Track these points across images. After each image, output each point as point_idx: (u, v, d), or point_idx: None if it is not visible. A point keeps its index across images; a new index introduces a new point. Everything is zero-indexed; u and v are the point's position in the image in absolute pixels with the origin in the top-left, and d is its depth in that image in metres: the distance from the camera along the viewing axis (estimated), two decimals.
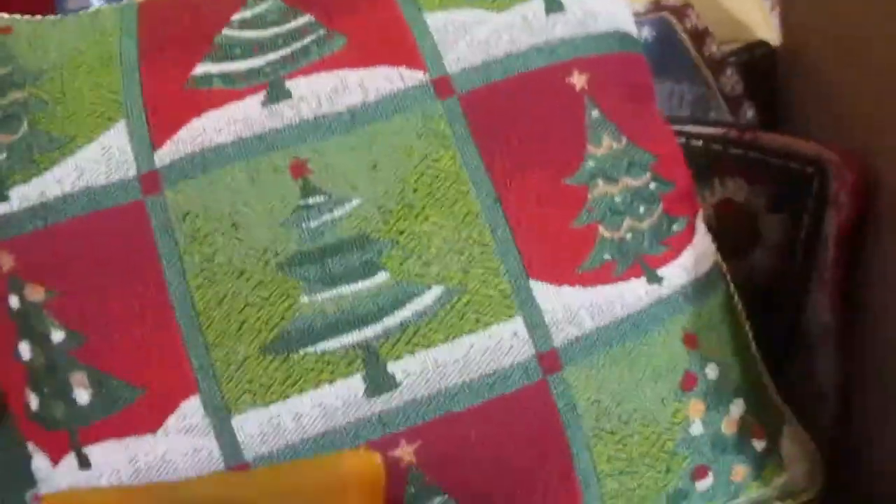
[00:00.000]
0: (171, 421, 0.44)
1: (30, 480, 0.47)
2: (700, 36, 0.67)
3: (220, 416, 0.44)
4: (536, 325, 0.45)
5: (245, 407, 0.44)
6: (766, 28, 0.69)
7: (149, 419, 0.44)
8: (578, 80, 0.50)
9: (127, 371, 0.44)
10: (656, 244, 0.49)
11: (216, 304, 0.45)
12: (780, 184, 0.55)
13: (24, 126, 0.47)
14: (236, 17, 0.51)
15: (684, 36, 0.67)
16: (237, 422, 0.44)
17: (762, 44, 0.67)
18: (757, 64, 0.65)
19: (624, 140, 0.50)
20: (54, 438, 0.45)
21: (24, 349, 0.45)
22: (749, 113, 0.63)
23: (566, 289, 0.46)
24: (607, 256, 0.47)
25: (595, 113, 0.49)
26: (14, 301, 0.46)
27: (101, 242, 0.45)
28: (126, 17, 0.51)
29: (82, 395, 0.44)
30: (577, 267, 0.47)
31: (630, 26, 0.54)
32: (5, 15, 0.52)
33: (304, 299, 0.45)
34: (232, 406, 0.44)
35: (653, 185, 0.50)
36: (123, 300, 0.45)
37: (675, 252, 0.50)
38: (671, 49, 0.65)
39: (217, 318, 0.45)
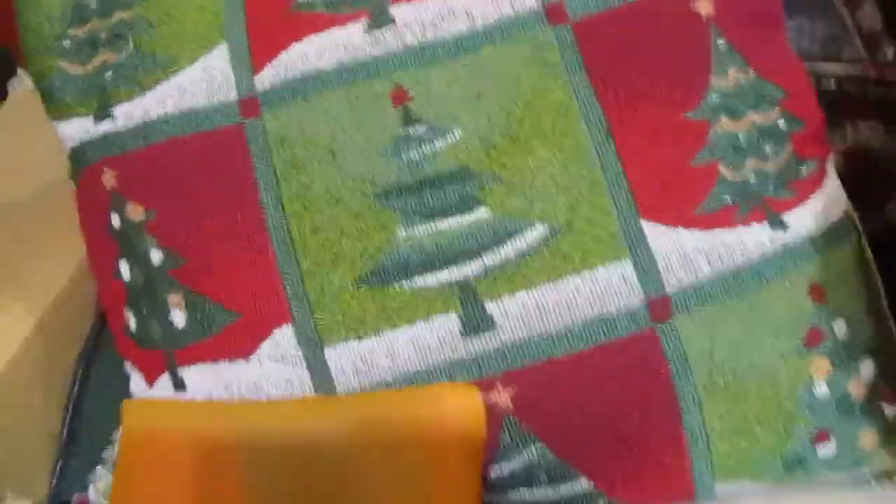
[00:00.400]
0: (264, 348, 0.42)
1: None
2: None
3: (312, 347, 0.42)
4: (647, 268, 0.42)
5: (338, 339, 0.42)
6: None
7: (242, 345, 0.43)
8: (704, 6, 0.45)
9: (222, 295, 0.43)
10: (782, 187, 0.44)
11: (312, 232, 0.43)
12: None
13: (130, 45, 0.46)
14: None
15: None
16: (330, 354, 0.42)
17: None
18: None
19: (751, 72, 0.45)
20: (151, 358, 0.45)
21: (125, 268, 0.45)
22: (889, 52, 0.56)
23: (681, 231, 0.42)
24: (727, 198, 0.43)
25: (721, 42, 0.45)
26: (116, 219, 0.45)
27: (200, 165, 0.44)
28: None
29: (178, 317, 0.44)
30: (694, 208, 0.43)
31: None
32: None
33: (401, 232, 0.43)
34: (325, 337, 0.42)
35: (781, 123, 0.45)
36: (220, 224, 0.44)
37: (803, 197, 0.45)
38: None
39: (312, 247, 0.43)
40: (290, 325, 0.42)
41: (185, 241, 0.44)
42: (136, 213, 0.45)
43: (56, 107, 0.47)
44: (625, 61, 0.44)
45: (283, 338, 0.42)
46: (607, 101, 0.43)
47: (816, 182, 0.45)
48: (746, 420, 0.42)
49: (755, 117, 0.44)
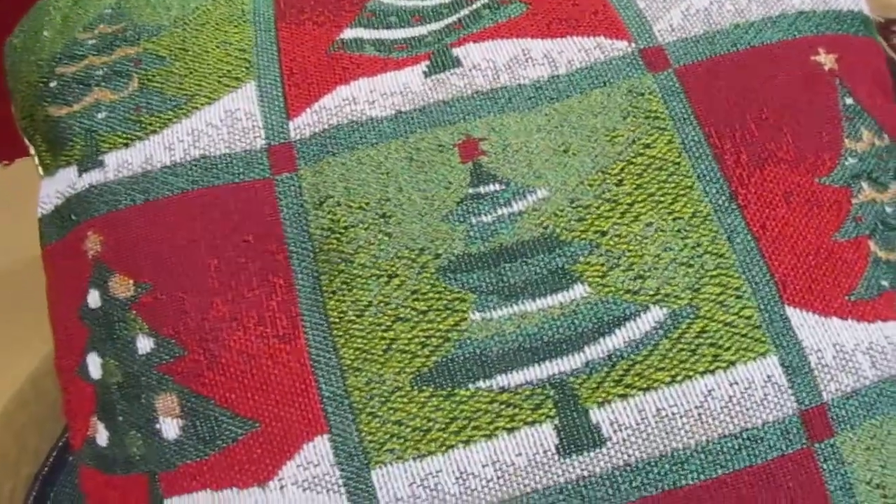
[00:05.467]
0: (289, 469, 0.30)
1: None
2: None
3: (355, 467, 0.30)
4: (798, 369, 0.31)
5: (391, 457, 0.30)
6: None
7: (259, 465, 0.30)
8: (826, 59, 0.37)
9: (233, 397, 0.31)
10: None
11: (356, 315, 0.32)
12: None
13: (134, 84, 0.36)
14: None
15: (892, 54, 0.54)
16: (379, 477, 0.30)
17: None
18: None
19: (886, 138, 0.36)
20: (125, 486, 0.32)
21: (93, 363, 0.33)
22: None
23: (835, 322, 0.32)
24: (885, 283, 0.33)
25: (849, 100, 0.36)
26: (94, 297, 0.33)
27: (213, 227, 0.33)
28: None
29: (170, 427, 0.31)
30: (848, 293, 0.33)
31: (867, 9, 0.41)
32: None
33: (475, 316, 0.32)
34: (373, 454, 0.30)
35: None
36: (237, 303, 0.32)
37: None
38: None
39: (357, 335, 0.31)
40: (325, 436, 0.30)
41: (186, 325, 0.32)
42: (122, 287, 0.33)
43: (42, 162, 0.37)
44: (742, 114, 0.35)
45: (316, 454, 0.30)
46: (726, 159, 0.34)
47: None
48: None
49: None
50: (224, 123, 0.35)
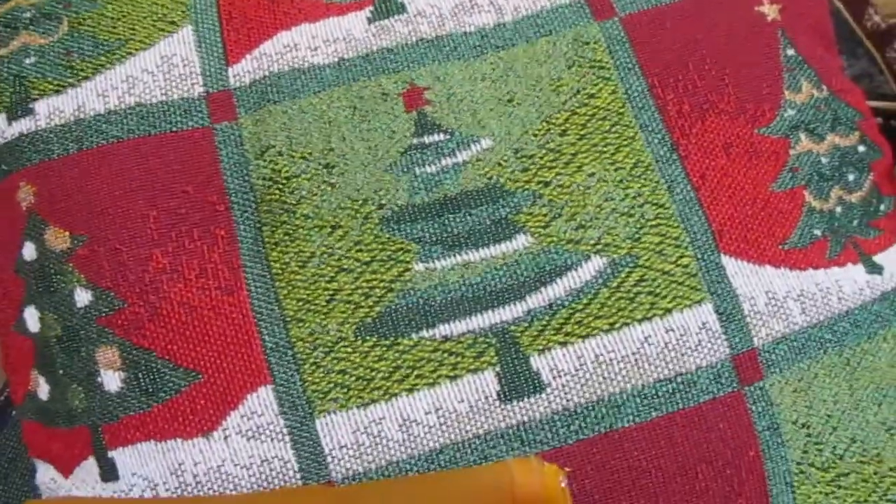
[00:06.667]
0: (233, 419, 0.30)
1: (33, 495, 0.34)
2: (858, 4, 0.54)
3: (299, 416, 0.30)
4: (731, 315, 0.32)
5: (334, 406, 0.30)
6: None
7: (202, 416, 0.30)
8: (770, 9, 0.37)
9: (175, 349, 0.31)
10: (866, 225, 0.36)
11: (298, 266, 0.32)
12: None
13: (64, 27, 0.34)
14: None
15: (839, 4, 0.54)
16: (323, 425, 0.30)
17: None
18: None
19: (825, 89, 0.37)
20: (68, 439, 0.32)
21: (31, 316, 0.32)
22: None
23: (768, 270, 0.33)
24: (817, 232, 0.34)
25: (790, 51, 0.37)
26: (29, 250, 0.33)
27: (151, 177, 0.33)
28: None
29: (112, 380, 0.31)
30: (782, 242, 0.34)
31: None
32: None
33: (418, 267, 0.32)
34: (316, 403, 0.30)
35: (862, 149, 0.37)
36: (177, 255, 0.32)
37: (890, 237, 0.37)
38: None
39: (300, 286, 0.32)
40: (268, 387, 0.31)
41: (126, 277, 0.32)
42: (58, 240, 0.33)
43: None
44: (686, 64, 0.35)
45: (260, 404, 0.30)
46: (669, 109, 0.34)
47: None
48: None
49: (836, 139, 0.36)
50: (160, 70, 0.34)
